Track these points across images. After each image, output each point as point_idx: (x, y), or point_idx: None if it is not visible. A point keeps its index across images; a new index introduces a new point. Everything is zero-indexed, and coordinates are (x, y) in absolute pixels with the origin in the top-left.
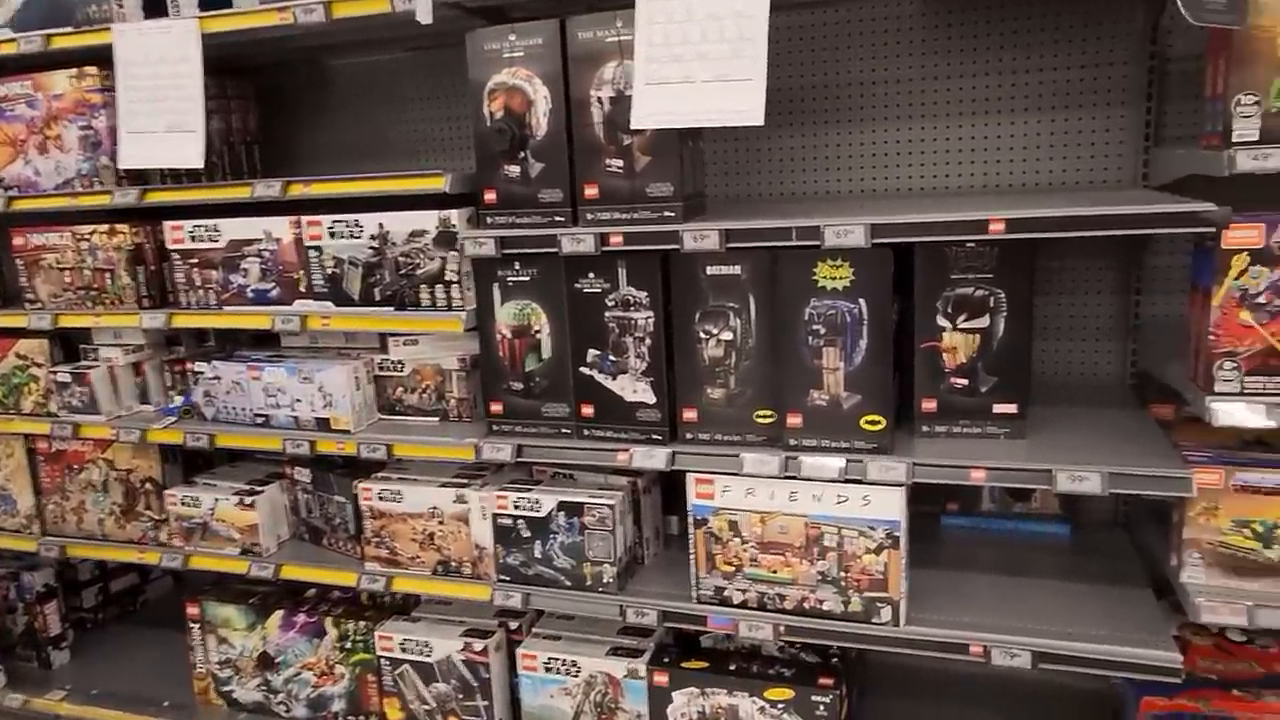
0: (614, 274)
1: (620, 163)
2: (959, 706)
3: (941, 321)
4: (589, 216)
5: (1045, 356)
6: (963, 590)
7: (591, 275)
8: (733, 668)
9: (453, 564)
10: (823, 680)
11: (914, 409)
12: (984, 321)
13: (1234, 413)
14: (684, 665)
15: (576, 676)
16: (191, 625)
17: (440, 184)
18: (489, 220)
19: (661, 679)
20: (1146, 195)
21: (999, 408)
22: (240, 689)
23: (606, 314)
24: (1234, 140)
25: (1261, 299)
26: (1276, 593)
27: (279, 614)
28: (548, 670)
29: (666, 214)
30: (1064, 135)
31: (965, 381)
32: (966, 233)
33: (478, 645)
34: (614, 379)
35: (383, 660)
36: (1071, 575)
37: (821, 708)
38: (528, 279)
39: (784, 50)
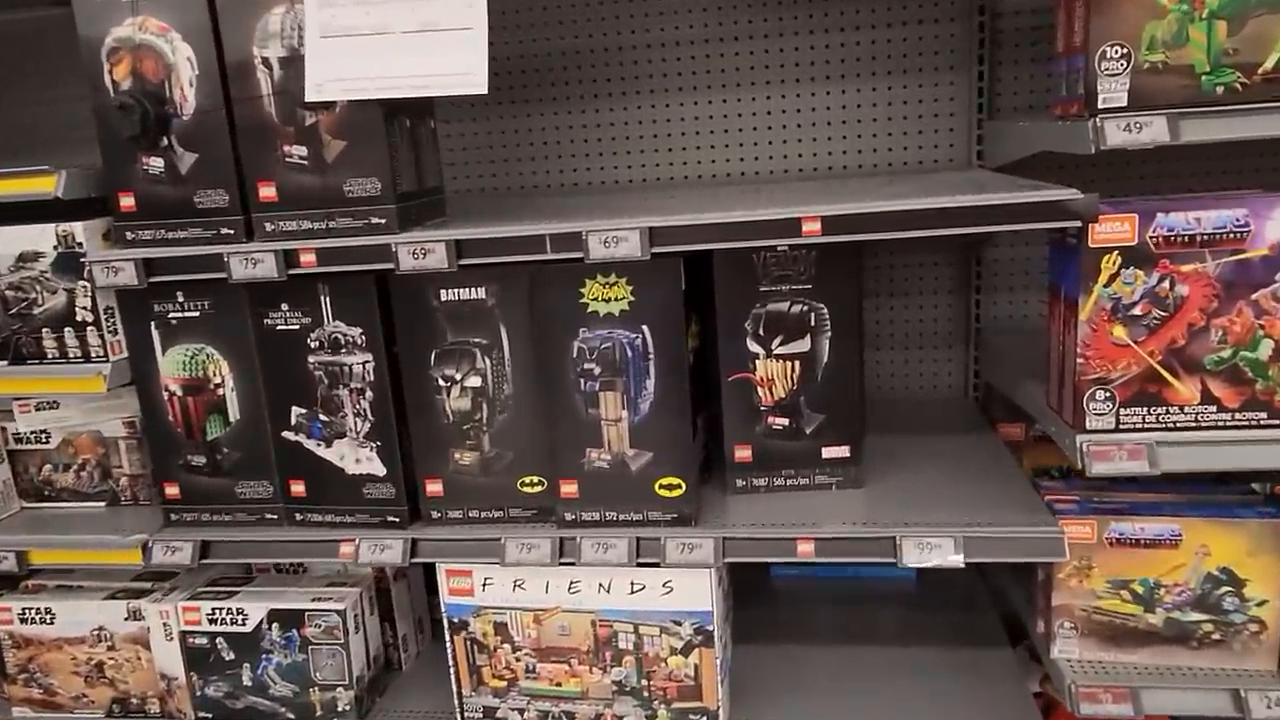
0: (315, 305)
1: (304, 151)
2: None
3: (752, 347)
4: (268, 227)
5: (877, 369)
6: (801, 672)
7: (285, 308)
8: None
9: (133, 701)
10: None
11: (725, 459)
12: (803, 344)
13: (1111, 456)
14: None
15: None
16: None
17: (50, 186)
18: (129, 236)
19: None
20: (988, 179)
21: (829, 451)
22: None
23: (310, 359)
24: (1100, 106)
25: (1137, 310)
26: (1158, 665)
27: None
28: None
29: (374, 221)
30: (886, 108)
31: (785, 421)
32: (773, 235)
33: None
34: (328, 445)
35: None
36: (922, 637)
37: None
38: (197, 315)
39: (548, 5)
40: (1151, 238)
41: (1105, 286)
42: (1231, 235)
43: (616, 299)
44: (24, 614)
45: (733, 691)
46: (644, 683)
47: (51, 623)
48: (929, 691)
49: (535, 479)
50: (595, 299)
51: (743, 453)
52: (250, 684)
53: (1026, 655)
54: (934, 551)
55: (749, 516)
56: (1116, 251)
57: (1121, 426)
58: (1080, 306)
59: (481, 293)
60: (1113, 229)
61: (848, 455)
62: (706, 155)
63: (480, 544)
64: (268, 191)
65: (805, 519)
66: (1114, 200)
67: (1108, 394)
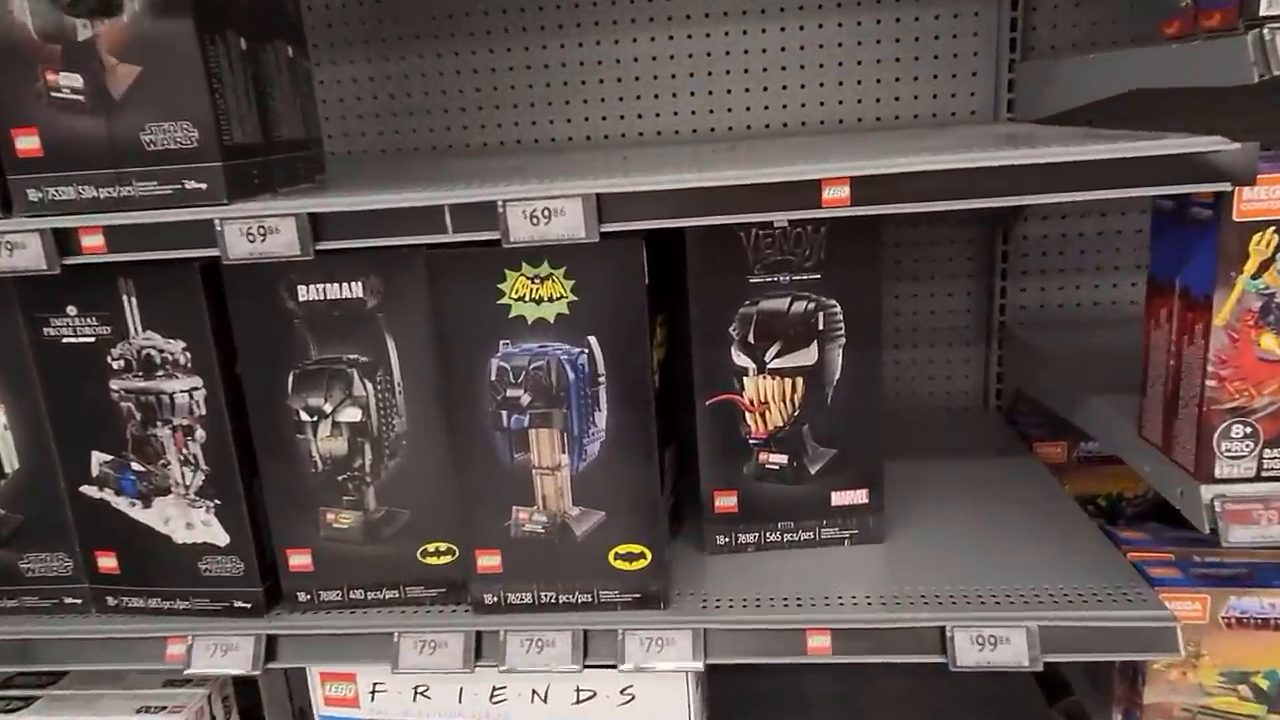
0: (116, 308)
1: (77, 81)
2: None
3: (739, 359)
4: (31, 195)
5: (887, 370)
6: None
7: (72, 312)
8: None
9: None
10: None
11: (701, 508)
12: (808, 355)
13: (1256, 519)
14: None
15: None
16: None
17: None
18: None
19: None
20: (1041, 133)
21: (841, 497)
22: None
23: (114, 385)
24: (1267, 11)
25: None
26: None
27: None
28: None
29: (189, 186)
30: (893, 46)
31: (784, 459)
32: (781, 206)
33: None
34: (147, 505)
35: None
36: (942, 713)
37: None
38: None
39: None
40: None
41: (1254, 279)
42: None
43: (551, 299)
44: None
45: None
46: None
47: None
48: None
49: (442, 547)
50: (521, 299)
51: (725, 500)
52: None
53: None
54: (998, 649)
55: (735, 588)
56: (1273, 228)
57: (1264, 474)
58: (1215, 307)
59: (358, 289)
60: (1271, 195)
61: (865, 501)
62: (669, 106)
63: (365, 638)
64: (27, 142)
65: (814, 591)
66: (1268, 154)
67: (1248, 429)
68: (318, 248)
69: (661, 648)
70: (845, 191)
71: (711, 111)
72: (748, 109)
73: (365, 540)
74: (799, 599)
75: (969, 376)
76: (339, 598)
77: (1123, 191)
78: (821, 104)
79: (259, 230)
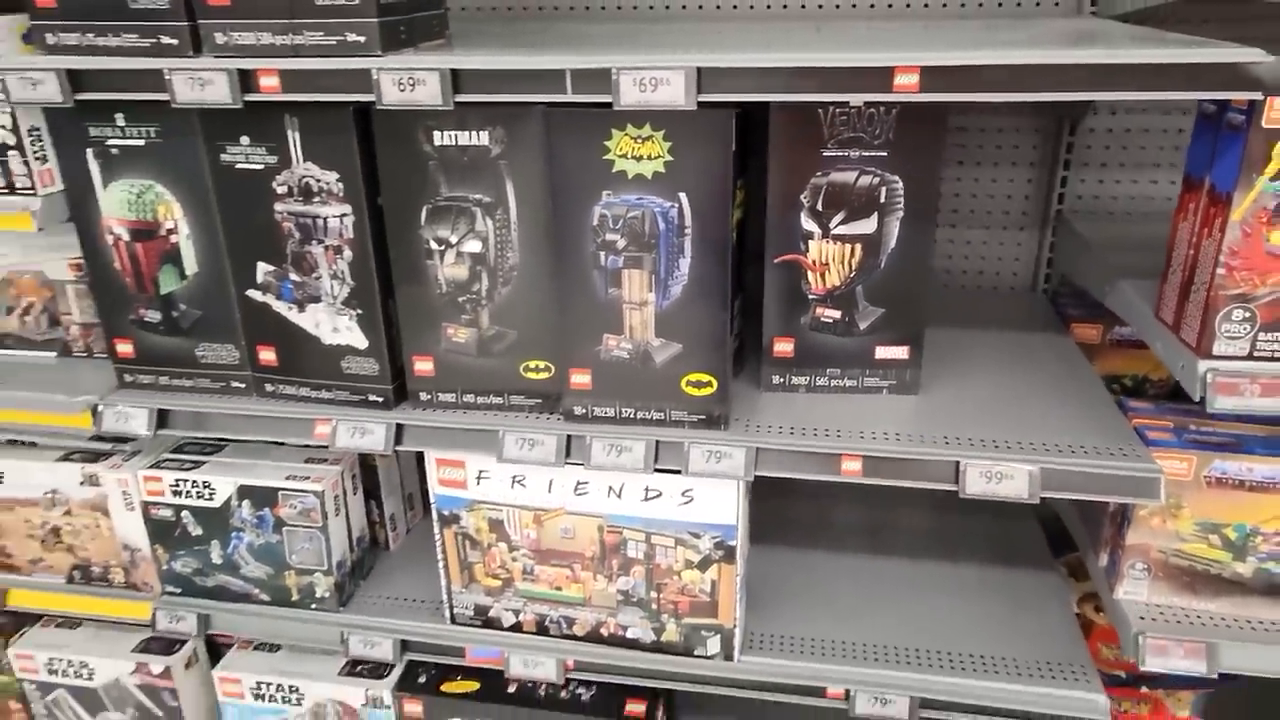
0: (282, 141)
1: None
2: None
3: (807, 224)
4: (219, 39)
5: (941, 249)
6: (821, 578)
7: (245, 142)
8: (513, 690)
9: (94, 570)
10: (631, 707)
11: (761, 352)
12: (869, 225)
13: (1241, 391)
14: (445, 689)
15: (299, 705)
16: None
17: None
18: (49, 39)
19: (415, 708)
20: (1112, 31)
21: (884, 352)
22: None
23: (278, 207)
24: None
25: None
26: (1237, 616)
27: None
28: (258, 698)
29: (350, 38)
30: None
31: (838, 314)
32: (856, 88)
33: (156, 665)
34: (301, 310)
35: (26, 685)
36: (955, 545)
37: None
38: (142, 144)
39: None
40: None
41: (1272, 180)
42: None
43: (650, 157)
44: None
45: (748, 597)
46: (653, 595)
47: (0, 481)
48: (963, 612)
49: (541, 364)
50: (624, 156)
51: (783, 346)
52: (220, 562)
53: (1065, 571)
54: (1004, 482)
55: (785, 419)
56: None
57: (1256, 354)
58: (1234, 203)
59: (484, 138)
60: None
61: (906, 357)
62: None
63: (475, 434)
64: None
65: (851, 427)
66: None
67: (1247, 314)
68: (456, 100)
69: (719, 460)
70: (915, 79)
71: None
72: None
73: (478, 353)
74: (839, 432)
75: (1020, 259)
76: (454, 400)
77: (1164, 94)
78: None
79: (409, 81)
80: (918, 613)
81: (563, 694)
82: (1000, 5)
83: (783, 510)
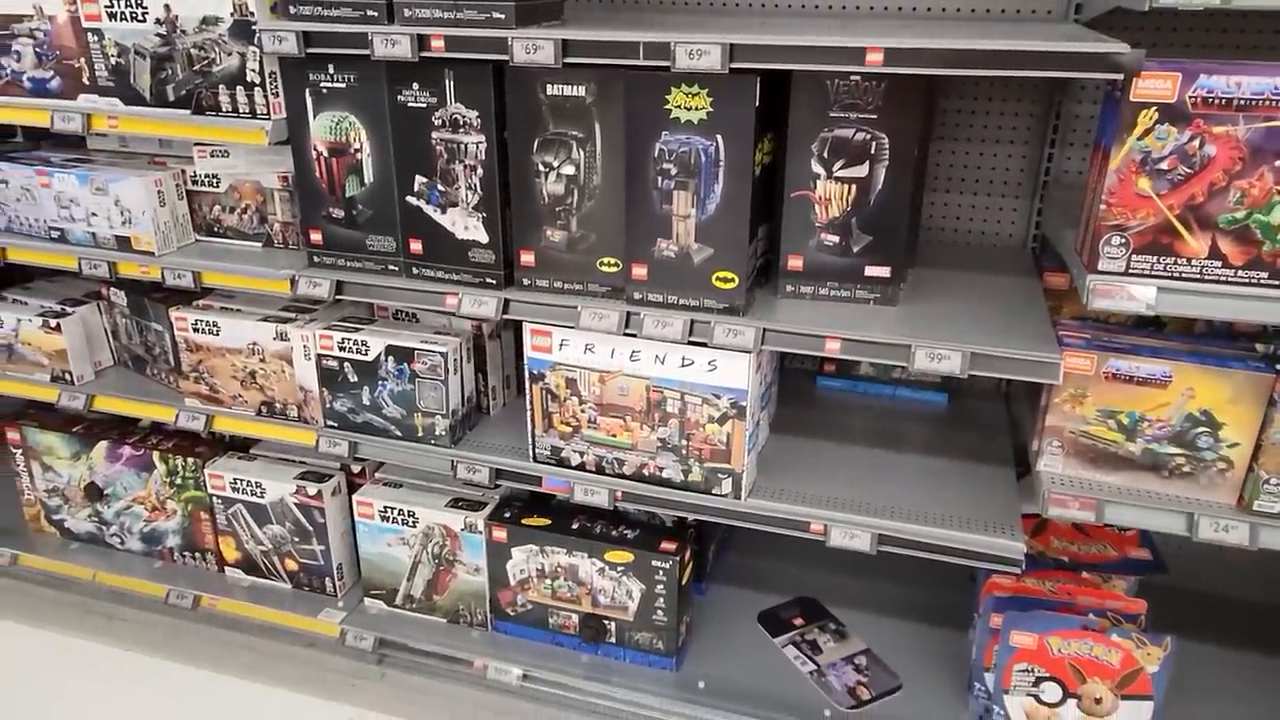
0: (440, 87)
1: None
2: (827, 562)
3: (816, 167)
4: (406, 13)
5: (943, 210)
6: (823, 460)
7: (415, 87)
8: (575, 526)
9: (277, 406)
10: (665, 545)
11: (779, 265)
12: (861, 170)
13: (1114, 295)
14: (524, 522)
15: (414, 527)
16: (14, 450)
17: None
18: (291, 10)
19: (500, 534)
20: (1061, 30)
21: (871, 270)
22: (71, 519)
23: (433, 135)
24: None
25: (1164, 165)
26: (1130, 487)
27: (104, 445)
28: (384, 519)
29: (495, 16)
30: None
31: (837, 239)
32: (838, 62)
33: (311, 489)
34: (443, 212)
35: (214, 499)
36: (937, 449)
37: (660, 572)
38: (344, 86)
39: None
40: (1190, 97)
41: (1139, 140)
42: (1267, 102)
43: (697, 108)
44: (196, 324)
45: (761, 466)
46: (684, 442)
47: (216, 334)
48: (932, 491)
49: (612, 260)
50: (678, 106)
51: (794, 262)
52: (368, 403)
53: (1030, 485)
54: (942, 362)
55: (791, 316)
56: (1155, 107)
57: (1130, 271)
58: (1112, 156)
59: (582, 90)
60: (1155, 85)
61: (888, 275)
62: None
63: (561, 310)
64: None
65: (839, 323)
66: (1163, 59)
67: (1123, 240)
68: (564, 61)
69: (736, 336)
70: (880, 56)
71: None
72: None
73: (567, 250)
74: (829, 324)
75: (1014, 223)
76: (547, 285)
77: (1053, 73)
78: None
79: (533, 47)
80: (894, 487)
81: (613, 532)
82: (1003, 11)
83: (807, 415)
